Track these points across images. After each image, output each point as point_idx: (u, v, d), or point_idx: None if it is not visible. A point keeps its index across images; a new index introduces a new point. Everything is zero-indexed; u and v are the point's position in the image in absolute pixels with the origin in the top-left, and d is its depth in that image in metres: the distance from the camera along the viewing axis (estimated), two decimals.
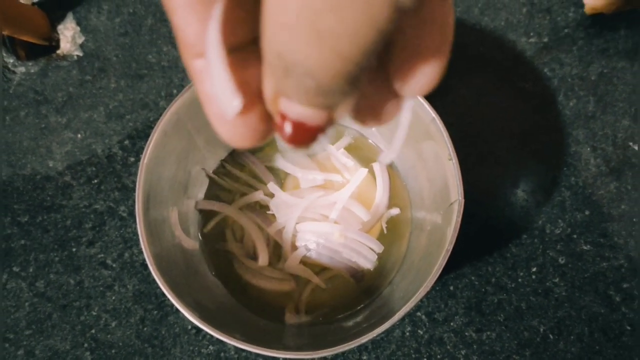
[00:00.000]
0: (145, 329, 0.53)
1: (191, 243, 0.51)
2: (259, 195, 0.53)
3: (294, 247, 0.52)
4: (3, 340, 0.53)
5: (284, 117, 0.16)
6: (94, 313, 0.54)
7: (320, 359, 0.52)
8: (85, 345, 0.53)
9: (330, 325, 0.50)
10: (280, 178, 0.54)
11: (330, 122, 0.16)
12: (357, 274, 0.52)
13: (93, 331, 0.53)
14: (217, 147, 0.54)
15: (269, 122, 0.17)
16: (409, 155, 0.52)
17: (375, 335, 0.40)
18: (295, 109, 0.16)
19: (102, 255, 0.55)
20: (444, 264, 0.41)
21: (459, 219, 0.42)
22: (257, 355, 0.52)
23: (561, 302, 0.53)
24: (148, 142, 0.44)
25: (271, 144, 0.55)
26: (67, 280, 0.55)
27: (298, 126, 0.16)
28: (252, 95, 0.16)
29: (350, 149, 0.55)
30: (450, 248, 0.42)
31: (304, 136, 0.17)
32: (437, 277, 0.41)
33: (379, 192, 0.53)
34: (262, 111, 0.17)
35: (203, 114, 0.48)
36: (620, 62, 0.59)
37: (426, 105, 0.44)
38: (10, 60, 0.60)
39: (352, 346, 0.40)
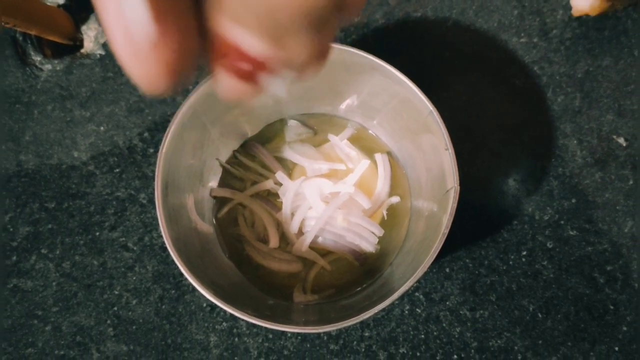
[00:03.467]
0: (163, 306, 0.54)
1: (206, 227, 0.51)
2: (269, 184, 0.53)
3: (301, 232, 0.52)
4: (32, 317, 0.54)
5: (226, 44, 0.14)
6: (116, 292, 0.54)
7: (325, 334, 0.52)
8: (108, 321, 0.53)
9: (334, 304, 0.50)
10: (289, 168, 0.55)
11: (277, 62, 0.14)
12: (360, 257, 0.52)
13: (115, 308, 0.54)
14: (230, 138, 0.54)
15: (186, 59, 0.14)
16: (408, 146, 0.52)
17: (376, 312, 0.40)
18: (243, 36, 0.13)
19: (124, 238, 0.55)
20: (440, 247, 0.41)
21: (455, 205, 0.43)
22: (267, 330, 0.52)
23: (549, 284, 0.53)
24: (166, 133, 0.44)
25: (280, 135, 0.55)
26: (91, 262, 0.55)
27: (240, 55, 0.14)
28: (168, 24, 0.13)
29: (353, 140, 0.55)
30: (446, 232, 0.42)
31: (244, 71, 0.14)
32: (433, 259, 0.41)
33: (380, 181, 0.53)
34: (179, 45, 0.13)
35: (217, 108, 0.48)
36: (605, 60, 0.59)
37: (424, 99, 0.45)
38: (38, 59, 0.61)
39: (355, 322, 0.40)
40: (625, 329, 0.52)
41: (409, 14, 0.60)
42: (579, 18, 0.59)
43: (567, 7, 0.60)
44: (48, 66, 0.60)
